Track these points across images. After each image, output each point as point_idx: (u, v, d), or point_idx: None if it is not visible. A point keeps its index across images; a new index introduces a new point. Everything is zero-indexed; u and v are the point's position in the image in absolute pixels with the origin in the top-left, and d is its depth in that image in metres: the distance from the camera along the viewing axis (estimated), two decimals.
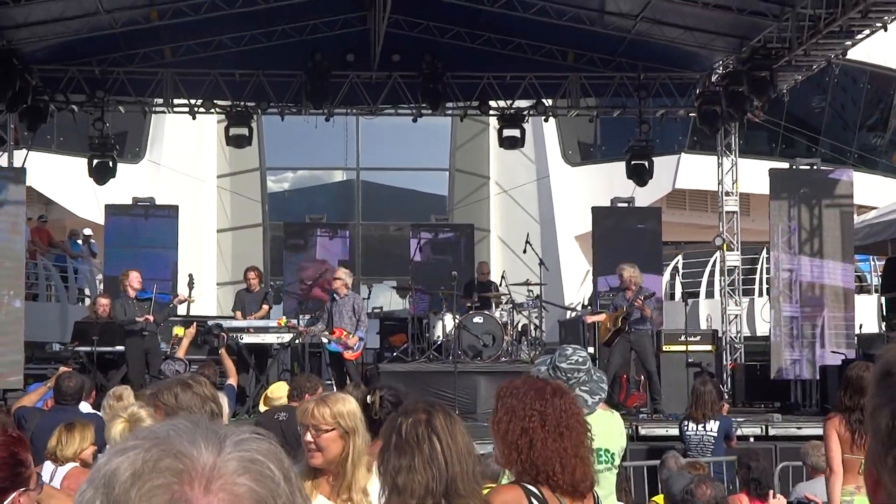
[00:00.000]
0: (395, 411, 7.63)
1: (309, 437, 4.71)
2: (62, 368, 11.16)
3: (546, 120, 22.28)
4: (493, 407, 3.99)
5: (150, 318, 16.20)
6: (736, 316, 21.25)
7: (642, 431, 14.73)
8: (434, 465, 3.64)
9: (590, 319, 18.48)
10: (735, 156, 21.40)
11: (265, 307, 17.94)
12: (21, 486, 3.24)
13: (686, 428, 12.31)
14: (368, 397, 7.56)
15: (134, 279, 16.62)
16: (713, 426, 12.11)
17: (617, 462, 5.70)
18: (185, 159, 29.51)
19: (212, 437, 1.41)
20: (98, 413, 8.83)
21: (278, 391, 10.95)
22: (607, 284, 20.62)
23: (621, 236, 20.91)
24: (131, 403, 8.94)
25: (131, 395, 9.06)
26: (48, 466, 7.45)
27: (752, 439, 14.87)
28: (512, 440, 3.82)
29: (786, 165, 20.57)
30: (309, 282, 22.08)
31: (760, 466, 9.56)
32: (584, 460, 3.87)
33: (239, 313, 17.78)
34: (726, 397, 16.90)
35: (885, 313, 17.71)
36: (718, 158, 21.64)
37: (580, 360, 5.34)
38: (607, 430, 5.44)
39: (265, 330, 17.16)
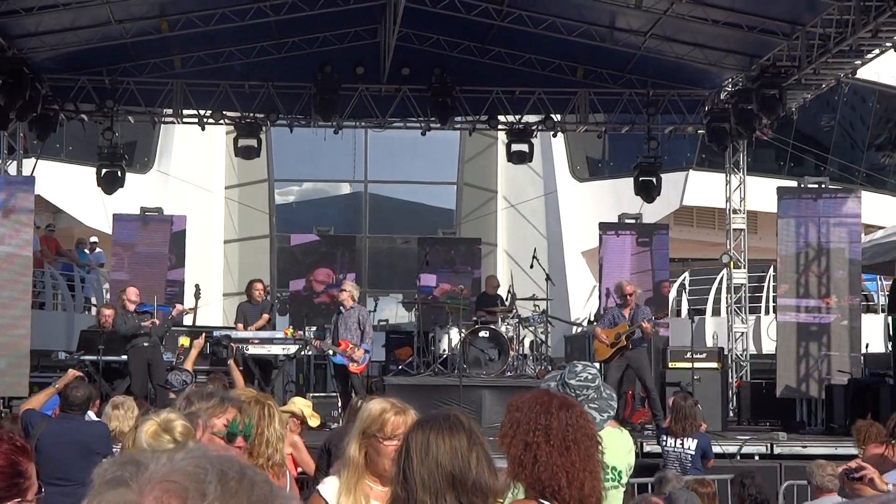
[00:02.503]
0: None
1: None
2: (71, 371, 11.08)
3: (555, 135, 22.31)
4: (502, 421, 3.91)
5: (156, 321, 16.21)
6: (742, 334, 21.24)
7: (647, 448, 14.69)
8: (408, 490, 3.47)
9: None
10: (743, 173, 21.41)
11: (265, 316, 17.88)
12: (17, 498, 3.22)
13: (665, 443, 12.13)
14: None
15: (132, 293, 16.59)
16: (691, 444, 11.91)
17: (625, 480, 5.68)
18: (194, 170, 29.53)
19: (171, 452, 1.62)
20: (103, 421, 8.83)
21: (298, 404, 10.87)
22: (613, 301, 20.61)
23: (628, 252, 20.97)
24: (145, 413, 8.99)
25: (133, 405, 9.06)
26: None
27: (756, 457, 14.84)
28: (516, 455, 3.74)
29: (794, 184, 20.56)
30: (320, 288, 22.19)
31: (756, 483, 9.53)
32: (592, 474, 3.78)
33: (241, 325, 17.74)
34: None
35: (891, 333, 17.65)
36: (726, 176, 21.64)
37: (590, 376, 5.27)
38: (615, 448, 5.42)
39: (271, 341, 17.14)
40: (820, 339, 18.67)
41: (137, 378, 16.05)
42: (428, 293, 21.88)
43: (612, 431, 5.49)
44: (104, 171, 20.48)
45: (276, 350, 17.15)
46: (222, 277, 30.90)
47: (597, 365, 17.08)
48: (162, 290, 20.20)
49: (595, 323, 21.15)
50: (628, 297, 16.47)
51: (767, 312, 22.90)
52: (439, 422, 3.57)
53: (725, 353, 19.51)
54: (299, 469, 10.12)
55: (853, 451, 10.85)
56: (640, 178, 20.96)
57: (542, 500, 3.67)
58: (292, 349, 17.16)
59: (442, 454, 3.46)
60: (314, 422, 11.02)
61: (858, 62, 17.61)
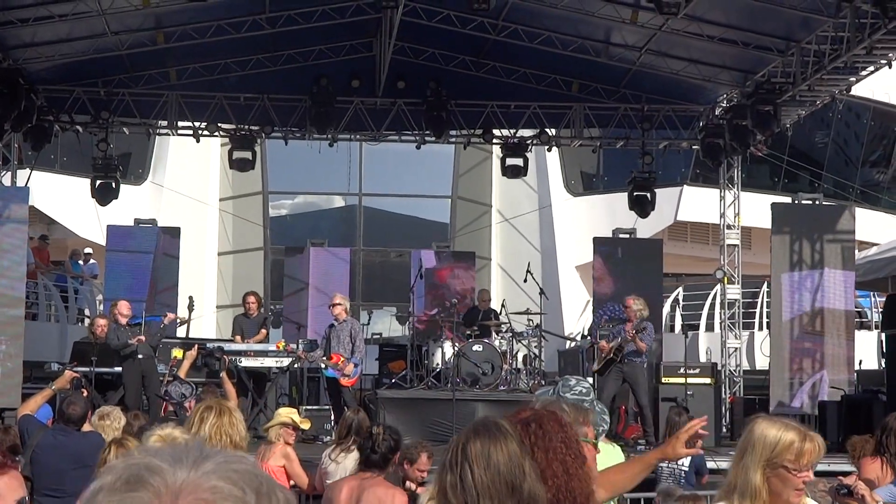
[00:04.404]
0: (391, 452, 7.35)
1: (812, 477, 4.40)
2: (68, 372, 10.97)
3: (549, 149, 22.29)
4: None
5: (143, 338, 16.16)
6: (735, 349, 21.23)
7: None
8: (466, 498, 3.33)
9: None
10: (737, 189, 21.43)
11: (263, 331, 17.94)
12: None
13: None
14: (373, 428, 7.46)
15: (123, 307, 16.55)
16: (685, 460, 11.83)
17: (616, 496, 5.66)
18: (188, 182, 29.51)
19: (190, 457, 1.46)
20: (97, 432, 8.79)
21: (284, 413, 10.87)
22: (607, 315, 20.58)
23: (622, 267, 20.91)
24: (128, 423, 8.96)
25: (120, 415, 9.03)
26: None
27: None
28: None
29: (788, 200, 20.59)
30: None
31: None
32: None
33: (238, 338, 17.79)
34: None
35: (885, 350, 17.65)
36: (721, 191, 21.66)
37: (584, 390, 5.25)
38: (607, 463, 5.40)
39: (264, 354, 17.15)
40: (813, 356, 18.66)
41: (132, 389, 16.01)
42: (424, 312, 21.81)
43: (603, 447, 5.47)
44: (98, 182, 20.47)
45: (269, 363, 17.16)
46: (216, 289, 30.86)
47: (590, 379, 17.11)
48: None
49: (588, 338, 21.13)
50: (626, 309, 16.48)
51: (761, 328, 22.90)
52: (491, 429, 3.46)
53: (719, 368, 19.49)
54: (291, 482, 10.10)
55: (845, 467, 10.82)
56: (635, 193, 20.97)
57: None
58: (285, 362, 17.16)
59: (501, 461, 3.37)
60: (306, 425, 11.07)
61: (853, 79, 17.66)
